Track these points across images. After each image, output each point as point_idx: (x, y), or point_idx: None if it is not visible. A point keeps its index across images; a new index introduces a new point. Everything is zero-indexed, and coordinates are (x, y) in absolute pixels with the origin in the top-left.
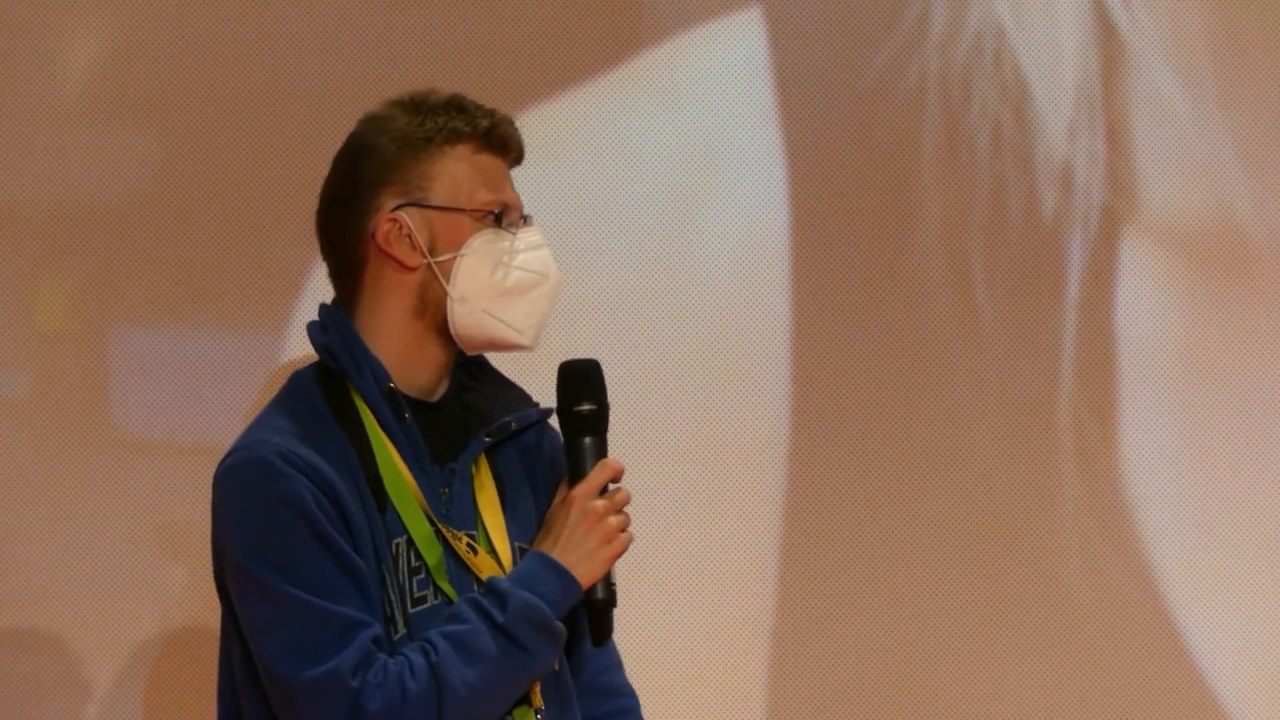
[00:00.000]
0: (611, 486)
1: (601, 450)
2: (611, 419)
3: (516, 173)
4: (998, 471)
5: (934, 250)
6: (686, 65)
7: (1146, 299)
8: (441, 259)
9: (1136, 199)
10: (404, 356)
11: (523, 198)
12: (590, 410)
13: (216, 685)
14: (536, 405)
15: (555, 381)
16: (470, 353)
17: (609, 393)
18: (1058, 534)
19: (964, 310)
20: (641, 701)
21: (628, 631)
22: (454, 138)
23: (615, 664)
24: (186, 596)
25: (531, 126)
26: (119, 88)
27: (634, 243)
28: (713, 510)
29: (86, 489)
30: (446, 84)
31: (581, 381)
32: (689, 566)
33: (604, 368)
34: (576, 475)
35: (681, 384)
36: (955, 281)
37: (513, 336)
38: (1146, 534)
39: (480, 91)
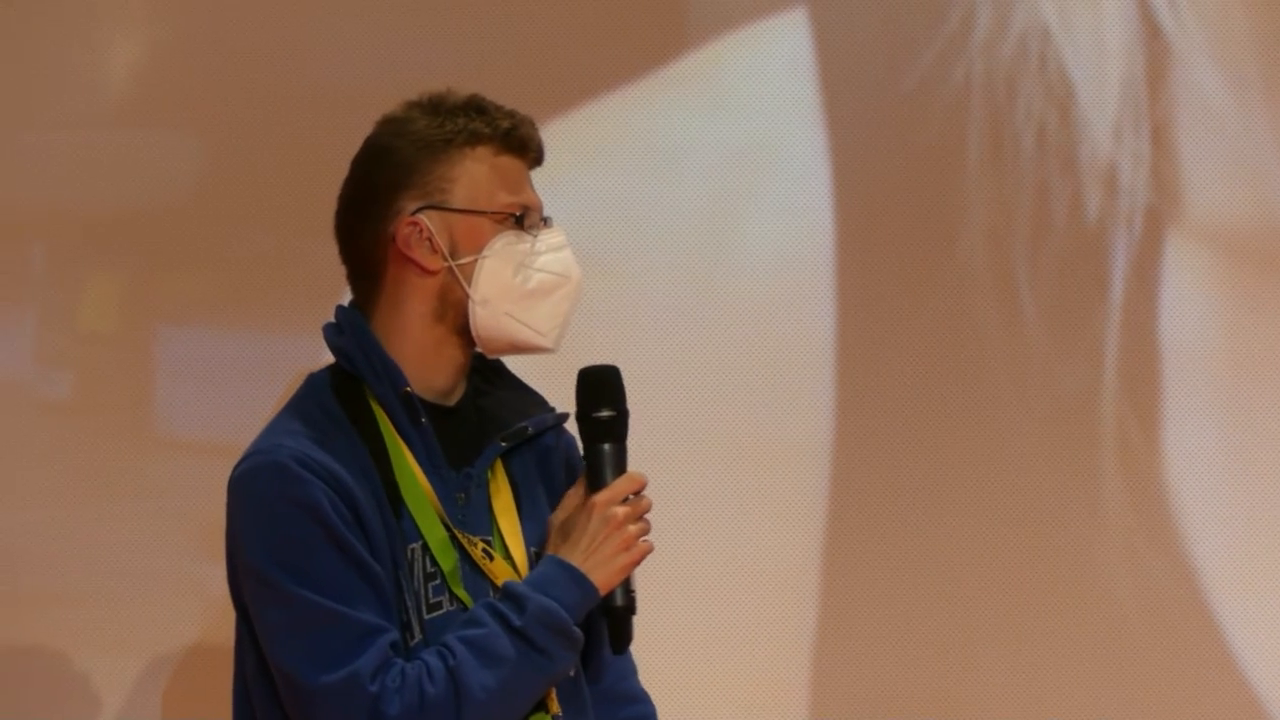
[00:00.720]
0: (631, 497)
1: (621, 456)
2: (656, 422)
3: (561, 173)
4: (1041, 474)
5: (978, 252)
6: (731, 67)
7: (1191, 300)
8: (462, 261)
9: (1181, 200)
10: (422, 360)
11: (567, 200)
12: (609, 416)
13: (232, 691)
14: (553, 410)
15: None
16: (491, 356)
17: (655, 395)
18: (1101, 536)
19: (1008, 312)
20: (684, 706)
21: (672, 637)
22: (474, 139)
23: (632, 670)
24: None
25: (576, 128)
26: (161, 91)
27: (678, 244)
28: (756, 515)
29: (130, 489)
30: (489, 86)
31: (600, 387)
32: (732, 571)
33: (648, 370)
34: (595, 481)
35: (725, 386)
36: (999, 283)
37: (535, 339)
38: (1190, 536)
39: (524, 94)
